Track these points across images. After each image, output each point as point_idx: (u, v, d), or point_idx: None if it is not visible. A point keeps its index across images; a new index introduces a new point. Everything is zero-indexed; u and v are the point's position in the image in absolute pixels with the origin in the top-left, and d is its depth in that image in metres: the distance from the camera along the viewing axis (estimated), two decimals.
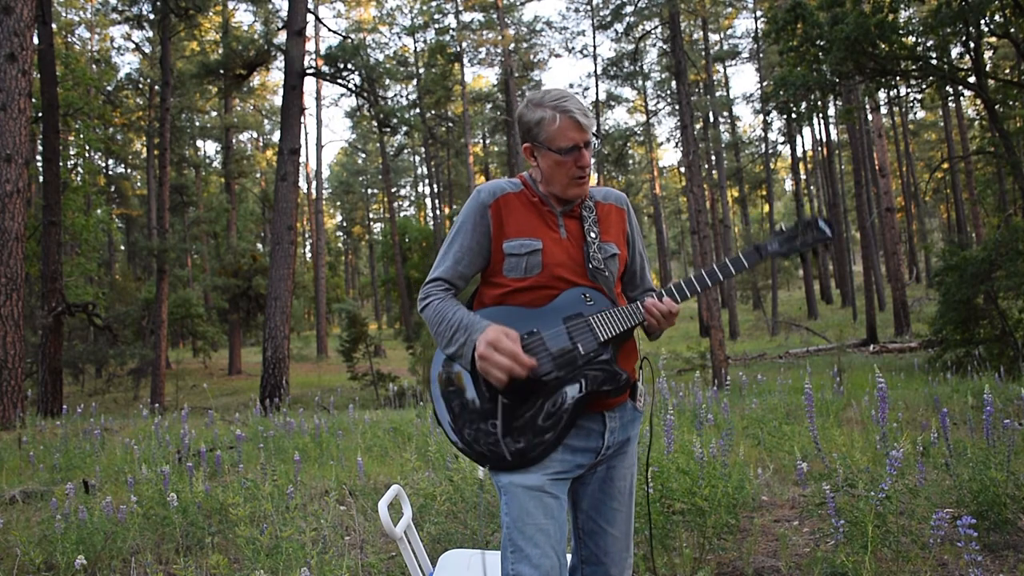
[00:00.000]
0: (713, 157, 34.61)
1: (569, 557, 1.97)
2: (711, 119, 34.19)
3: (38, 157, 17.35)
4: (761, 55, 34.28)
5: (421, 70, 33.51)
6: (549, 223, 1.80)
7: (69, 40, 29.95)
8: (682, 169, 31.12)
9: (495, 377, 1.64)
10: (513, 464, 1.71)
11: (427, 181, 47.19)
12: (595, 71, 33.27)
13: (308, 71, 16.55)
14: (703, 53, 33.55)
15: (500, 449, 1.72)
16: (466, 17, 32.70)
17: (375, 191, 53.01)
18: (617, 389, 1.73)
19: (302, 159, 25.27)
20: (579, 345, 1.72)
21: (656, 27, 23.94)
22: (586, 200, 1.86)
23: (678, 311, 1.76)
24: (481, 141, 41.16)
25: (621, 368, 1.76)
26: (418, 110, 31.98)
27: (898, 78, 12.86)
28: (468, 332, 1.69)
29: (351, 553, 3.39)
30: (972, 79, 12.31)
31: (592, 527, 1.87)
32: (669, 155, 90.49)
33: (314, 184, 38.32)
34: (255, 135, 41.46)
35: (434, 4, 32.44)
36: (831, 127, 33.19)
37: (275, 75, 34.08)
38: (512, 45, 32.16)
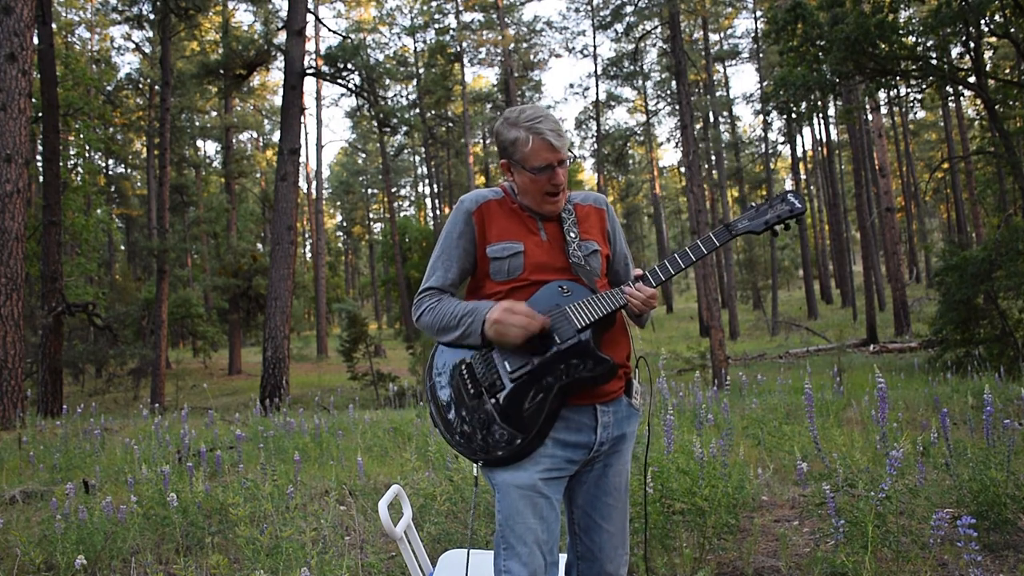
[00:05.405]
0: (713, 157, 34.59)
1: (565, 555, 1.98)
2: (711, 119, 34.17)
3: (38, 157, 17.35)
4: (761, 55, 34.23)
5: (421, 70, 33.49)
6: (530, 227, 1.87)
7: (69, 40, 29.91)
8: (682, 169, 31.07)
9: (513, 335, 1.70)
10: (503, 458, 1.73)
11: (427, 181, 47.26)
12: (595, 71, 33.30)
13: (308, 71, 16.55)
14: (703, 53, 33.53)
15: (488, 443, 1.74)
16: (466, 17, 32.72)
17: (375, 191, 53.01)
18: (603, 374, 1.74)
19: (302, 159, 25.26)
20: (555, 335, 1.75)
21: (656, 27, 23.93)
22: (565, 205, 1.92)
23: (655, 294, 1.81)
24: (481, 141, 41.13)
25: (605, 354, 1.76)
26: (418, 110, 31.96)
27: (898, 78, 12.85)
28: (475, 313, 1.77)
29: (351, 553, 3.39)
30: (972, 79, 12.30)
31: (587, 523, 1.89)
32: (669, 155, 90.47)
33: (314, 184, 38.35)
34: (255, 135, 41.44)
35: (434, 4, 32.43)
36: (831, 127, 33.22)
37: (275, 75, 34.08)
38: (512, 45, 32.16)
